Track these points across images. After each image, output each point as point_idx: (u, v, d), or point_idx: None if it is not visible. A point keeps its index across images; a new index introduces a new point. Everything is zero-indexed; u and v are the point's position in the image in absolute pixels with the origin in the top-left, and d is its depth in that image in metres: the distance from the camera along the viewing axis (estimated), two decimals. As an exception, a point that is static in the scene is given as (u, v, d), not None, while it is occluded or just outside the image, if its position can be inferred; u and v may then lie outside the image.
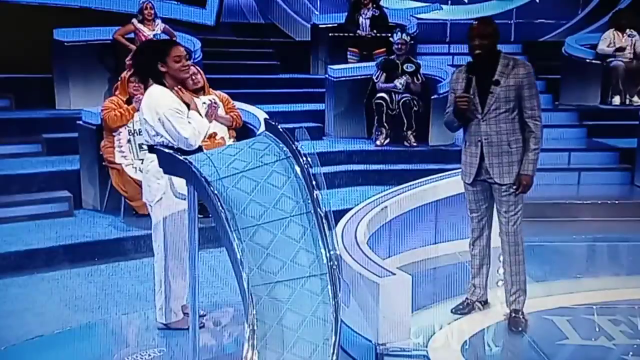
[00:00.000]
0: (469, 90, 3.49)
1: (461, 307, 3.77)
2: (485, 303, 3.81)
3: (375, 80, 6.73)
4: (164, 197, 3.38)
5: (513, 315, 3.62)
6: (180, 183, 3.29)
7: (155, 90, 3.33)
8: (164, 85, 3.34)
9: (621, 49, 7.99)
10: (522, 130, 3.50)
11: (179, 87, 3.41)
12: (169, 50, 3.30)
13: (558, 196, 5.98)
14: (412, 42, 7.13)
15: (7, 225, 4.88)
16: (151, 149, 3.36)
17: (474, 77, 3.50)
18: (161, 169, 3.28)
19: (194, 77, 5.11)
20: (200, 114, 3.43)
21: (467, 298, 3.79)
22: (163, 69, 3.30)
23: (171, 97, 3.30)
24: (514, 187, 3.52)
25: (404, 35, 6.76)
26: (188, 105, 3.34)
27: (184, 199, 3.33)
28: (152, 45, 3.56)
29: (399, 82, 6.54)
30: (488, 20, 3.67)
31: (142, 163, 4.08)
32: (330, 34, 8.35)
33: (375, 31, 8.05)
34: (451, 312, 3.75)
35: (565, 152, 6.76)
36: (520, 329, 3.57)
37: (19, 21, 6.93)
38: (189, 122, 3.27)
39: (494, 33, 3.50)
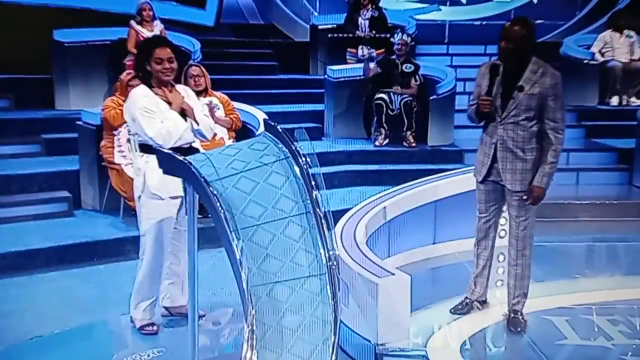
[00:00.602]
0: (491, 92, 3.40)
1: (460, 307, 3.77)
2: (484, 303, 3.81)
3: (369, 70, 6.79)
4: (143, 195, 3.43)
5: (512, 315, 3.63)
6: (153, 183, 3.34)
7: (134, 90, 3.44)
8: (149, 85, 3.39)
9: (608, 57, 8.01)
10: (540, 139, 3.40)
11: (170, 86, 3.43)
12: (152, 51, 3.36)
13: (556, 196, 5.94)
14: (412, 43, 7.16)
15: (7, 226, 4.89)
16: (141, 147, 3.41)
17: (500, 78, 3.39)
18: (140, 167, 3.36)
19: (196, 79, 5.12)
20: (191, 115, 3.40)
21: (466, 297, 3.79)
22: (149, 69, 3.38)
23: (147, 96, 3.36)
24: (525, 196, 3.44)
25: (404, 36, 6.79)
26: (170, 104, 3.37)
27: (160, 200, 3.37)
28: (142, 44, 3.64)
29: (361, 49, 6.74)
30: (520, 21, 3.41)
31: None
32: (329, 35, 8.35)
33: (374, 32, 8.06)
34: (450, 312, 3.75)
35: (563, 153, 6.73)
36: (519, 329, 3.58)
37: (19, 22, 6.93)
38: (162, 122, 3.30)
39: (524, 36, 3.32)
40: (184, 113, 3.40)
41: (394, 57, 6.80)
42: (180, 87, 3.55)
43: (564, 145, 3.46)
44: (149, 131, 3.30)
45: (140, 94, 3.38)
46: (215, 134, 5.04)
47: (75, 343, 3.50)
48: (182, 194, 3.32)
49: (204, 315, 3.60)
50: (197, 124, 3.43)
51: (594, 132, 7.37)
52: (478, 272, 3.75)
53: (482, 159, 3.54)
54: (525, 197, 3.44)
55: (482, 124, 3.56)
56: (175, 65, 3.41)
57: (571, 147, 6.91)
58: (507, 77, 3.40)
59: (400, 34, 6.84)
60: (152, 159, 3.32)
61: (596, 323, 3.69)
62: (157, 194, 3.39)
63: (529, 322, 3.63)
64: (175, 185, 3.31)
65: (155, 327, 3.55)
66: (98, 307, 3.89)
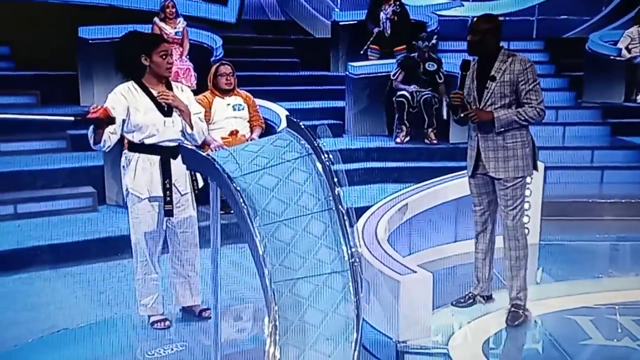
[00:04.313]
0: (462, 86, 3.52)
1: (462, 300, 3.79)
2: (489, 298, 3.80)
3: (393, 78, 6.73)
4: (129, 193, 3.42)
5: (512, 309, 3.59)
6: (130, 182, 3.35)
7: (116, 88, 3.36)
8: (140, 83, 3.31)
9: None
10: (520, 125, 3.46)
11: (163, 83, 3.35)
12: (157, 45, 3.29)
13: (581, 195, 5.91)
14: (436, 42, 7.12)
15: (32, 220, 4.96)
16: (129, 145, 3.40)
17: (474, 72, 3.53)
18: (124, 166, 3.37)
19: (228, 78, 5.06)
20: (187, 118, 3.35)
21: (469, 292, 3.80)
22: (146, 63, 3.30)
23: (114, 94, 3.31)
24: (472, 116, 3.46)
25: (428, 43, 6.77)
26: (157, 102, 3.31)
27: (139, 199, 3.36)
28: (139, 37, 3.45)
29: (414, 87, 6.60)
30: (485, 16, 3.63)
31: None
32: (350, 31, 8.32)
33: (396, 28, 8.00)
34: (451, 304, 3.76)
35: (588, 150, 6.69)
36: (516, 323, 3.54)
37: (45, 19, 7.03)
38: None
39: (488, 29, 3.47)
40: (171, 110, 3.31)
41: (414, 54, 6.77)
42: (177, 86, 3.46)
43: (541, 119, 3.49)
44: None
45: (117, 90, 3.34)
46: (237, 131, 5.08)
47: (99, 337, 3.54)
48: (162, 194, 3.34)
49: (208, 309, 3.55)
50: (191, 128, 3.35)
51: (620, 129, 7.26)
52: (478, 265, 3.76)
53: (470, 152, 3.62)
54: (472, 114, 3.45)
55: (457, 118, 3.59)
56: (173, 61, 3.40)
57: (596, 145, 6.83)
58: (480, 70, 3.51)
59: (425, 41, 6.79)
60: (132, 157, 3.34)
61: (621, 323, 3.65)
62: (135, 194, 3.37)
63: (552, 322, 3.61)
64: (154, 186, 3.32)
65: (167, 322, 3.56)
66: (121, 302, 3.94)
